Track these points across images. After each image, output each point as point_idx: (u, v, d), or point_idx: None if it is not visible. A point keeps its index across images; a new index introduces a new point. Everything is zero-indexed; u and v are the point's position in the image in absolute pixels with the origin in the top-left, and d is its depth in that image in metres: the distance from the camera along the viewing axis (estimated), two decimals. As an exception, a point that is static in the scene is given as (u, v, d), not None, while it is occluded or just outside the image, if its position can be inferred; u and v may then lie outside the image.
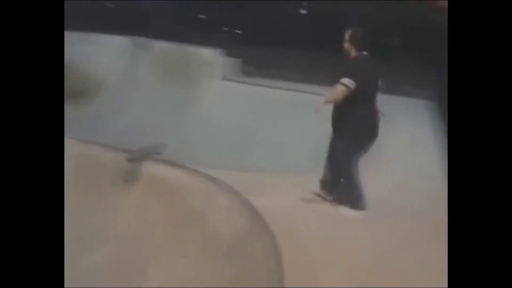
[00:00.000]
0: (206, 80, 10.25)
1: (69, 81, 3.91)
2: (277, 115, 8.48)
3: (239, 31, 13.31)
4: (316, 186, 4.25)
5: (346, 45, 3.64)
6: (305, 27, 11.78)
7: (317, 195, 3.95)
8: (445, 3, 9.31)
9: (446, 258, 1.16)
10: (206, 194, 4.06)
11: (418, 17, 10.30)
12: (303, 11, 12.57)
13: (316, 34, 11.49)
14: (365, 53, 3.62)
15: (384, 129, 6.51)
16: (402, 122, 7.07)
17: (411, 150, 5.60)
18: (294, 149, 7.33)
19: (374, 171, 4.87)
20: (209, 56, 10.55)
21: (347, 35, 3.65)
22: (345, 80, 3.45)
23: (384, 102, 8.59)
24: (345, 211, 3.63)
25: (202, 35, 12.35)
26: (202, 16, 14.35)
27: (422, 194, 4.07)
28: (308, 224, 3.39)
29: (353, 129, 3.55)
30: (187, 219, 3.91)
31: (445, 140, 3.55)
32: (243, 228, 3.56)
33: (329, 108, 3.54)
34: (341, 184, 3.70)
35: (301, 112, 8.41)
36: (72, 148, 4.03)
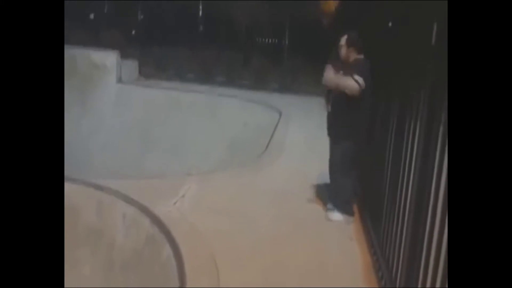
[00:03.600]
0: (100, 84, 9.66)
1: None
2: (175, 118, 8.32)
3: (134, 31, 12.77)
4: (219, 187, 4.25)
5: (344, 50, 3.45)
6: (202, 27, 11.73)
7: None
8: (330, 6, 9.96)
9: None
10: (101, 208, 3.80)
11: (305, 18, 10.88)
12: (199, 11, 12.48)
13: (212, 34, 11.51)
14: (362, 56, 3.42)
15: (285, 126, 6.91)
16: (299, 118, 7.48)
17: (306, 145, 5.91)
18: (195, 151, 7.26)
19: (275, 164, 5.07)
20: (102, 58, 9.96)
21: (343, 41, 3.46)
22: (358, 78, 3.22)
23: (284, 101, 8.89)
24: (336, 217, 3.56)
25: (93, 36, 11.62)
26: (91, 17, 13.47)
27: (314, 183, 4.29)
28: (210, 225, 3.36)
29: (350, 132, 3.39)
30: (81, 238, 3.63)
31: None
32: (143, 238, 3.41)
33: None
34: (338, 189, 3.58)
35: (201, 114, 8.42)
36: None
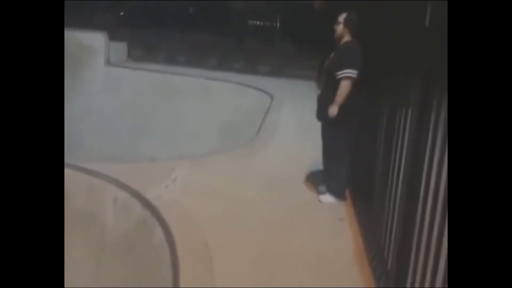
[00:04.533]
0: (88, 66, 9.49)
1: None
2: (166, 101, 8.23)
3: (122, 13, 12.53)
4: (210, 170, 4.24)
5: (340, 28, 3.40)
6: (192, 9, 11.53)
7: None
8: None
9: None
10: (92, 192, 3.77)
11: (297, 2, 10.76)
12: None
13: (203, 16, 11.34)
14: (356, 39, 3.36)
15: (277, 109, 6.90)
16: (290, 102, 7.46)
17: (298, 128, 5.91)
18: (186, 135, 7.22)
19: (267, 148, 5.07)
20: (90, 40, 9.77)
21: (341, 18, 3.40)
22: (347, 72, 3.23)
23: (276, 85, 8.84)
24: (328, 199, 3.56)
25: (80, 17, 11.37)
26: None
27: (305, 167, 4.30)
28: (202, 208, 3.35)
29: (342, 117, 3.32)
30: (71, 223, 3.59)
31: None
32: (134, 222, 3.40)
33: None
34: (331, 173, 3.56)
35: (192, 97, 8.34)
36: None
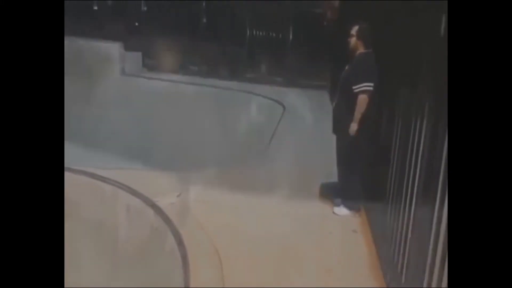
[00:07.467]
0: (104, 76, 9.64)
1: None
2: (179, 110, 8.30)
3: (137, 23, 12.73)
4: (222, 180, 4.24)
5: (353, 41, 3.40)
6: (205, 20, 11.68)
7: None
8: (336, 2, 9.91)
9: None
10: (104, 200, 3.80)
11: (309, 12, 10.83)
12: (203, 4, 12.41)
13: (216, 27, 11.46)
14: (370, 50, 3.38)
15: (289, 119, 6.90)
16: (303, 113, 7.46)
17: (310, 139, 5.89)
18: (199, 145, 7.25)
19: (279, 158, 5.06)
20: (105, 50, 9.94)
21: (353, 31, 3.40)
22: (365, 86, 3.24)
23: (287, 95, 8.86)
24: (342, 212, 3.55)
25: (96, 27, 11.58)
26: (95, 8, 13.43)
27: (319, 178, 4.27)
28: (214, 217, 3.36)
29: (358, 129, 3.32)
30: (84, 230, 3.63)
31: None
32: (147, 230, 3.41)
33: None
34: (346, 185, 3.57)
35: (204, 107, 8.39)
36: None
